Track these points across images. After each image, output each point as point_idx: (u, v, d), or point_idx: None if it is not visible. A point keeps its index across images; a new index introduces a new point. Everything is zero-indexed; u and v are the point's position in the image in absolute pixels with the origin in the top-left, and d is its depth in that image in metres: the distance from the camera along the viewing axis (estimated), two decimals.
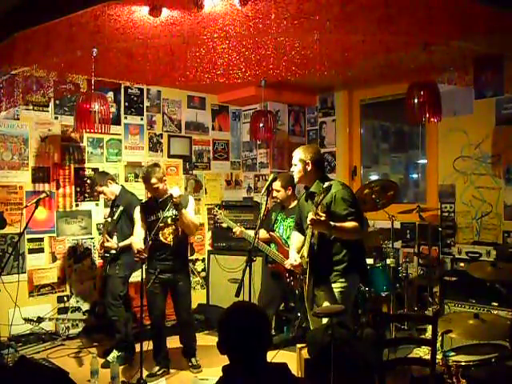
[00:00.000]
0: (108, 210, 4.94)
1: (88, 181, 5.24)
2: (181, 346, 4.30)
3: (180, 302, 4.22)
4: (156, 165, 4.09)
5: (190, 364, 4.24)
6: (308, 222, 3.10)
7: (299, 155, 3.41)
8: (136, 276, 3.84)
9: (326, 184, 3.07)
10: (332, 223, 3.08)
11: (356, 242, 3.32)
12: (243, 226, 4.82)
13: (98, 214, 5.34)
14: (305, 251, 3.33)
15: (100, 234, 5.11)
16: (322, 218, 3.03)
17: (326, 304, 3.28)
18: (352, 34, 3.41)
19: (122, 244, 4.32)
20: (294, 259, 3.42)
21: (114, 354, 4.25)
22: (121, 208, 4.35)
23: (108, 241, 4.33)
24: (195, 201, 4.32)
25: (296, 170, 3.42)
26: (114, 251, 4.33)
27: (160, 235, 4.06)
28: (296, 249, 3.55)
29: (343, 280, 3.27)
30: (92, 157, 5.32)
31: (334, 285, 3.28)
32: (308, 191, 3.45)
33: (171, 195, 3.81)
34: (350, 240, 3.26)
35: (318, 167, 3.42)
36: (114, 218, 4.38)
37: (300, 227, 3.58)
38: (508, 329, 2.57)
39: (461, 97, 4.98)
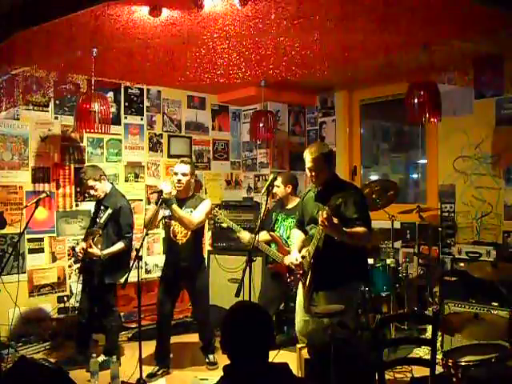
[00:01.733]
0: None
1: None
2: (181, 345, 4.31)
3: (195, 302, 4.27)
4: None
5: (207, 361, 4.27)
6: (320, 223, 2.94)
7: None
8: (133, 277, 3.83)
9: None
10: (344, 229, 2.99)
11: (360, 247, 3.24)
12: (242, 225, 4.82)
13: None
14: (309, 252, 3.27)
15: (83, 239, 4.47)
16: (335, 221, 2.91)
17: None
18: (352, 34, 3.41)
19: (106, 252, 4.07)
20: (295, 258, 3.36)
21: (102, 357, 4.17)
22: (109, 211, 4.06)
23: (91, 247, 4.00)
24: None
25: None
26: (96, 258, 4.07)
27: (171, 233, 4.07)
28: (298, 247, 3.48)
29: (346, 284, 3.21)
30: (92, 157, 5.32)
31: (337, 289, 3.19)
32: (322, 190, 3.32)
33: (161, 191, 3.78)
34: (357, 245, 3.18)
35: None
36: (101, 221, 4.09)
37: (302, 225, 3.52)
38: (507, 328, 2.56)
39: (461, 97, 4.98)
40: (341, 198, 2.94)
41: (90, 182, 4.21)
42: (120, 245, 4.14)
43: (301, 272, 3.34)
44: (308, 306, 3.31)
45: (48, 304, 4.96)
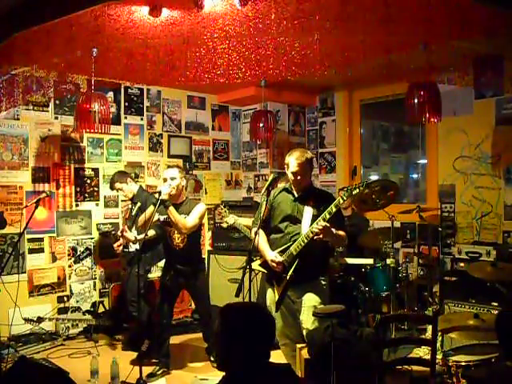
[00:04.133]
0: (111, 209, 5.34)
1: (87, 180, 5.28)
2: (181, 345, 4.30)
3: (198, 303, 4.31)
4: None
5: (211, 359, 4.29)
6: (317, 230, 3.17)
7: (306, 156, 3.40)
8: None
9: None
10: (335, 231, 3.23)
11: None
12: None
13: (98, 214, 5.35)
14: (294, 250, 3.31)
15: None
16: (332, 229, 3.20)
17: (310, 296, 3.33)
18: (352, 34, 3.41)
19: (139, 237, 4.37)
20: (274, 255, 3.40)
21: (146, 342, 4.15)
22: (138, 204, 4.41)
23: (127, 232, 4.42)
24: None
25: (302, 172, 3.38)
26: (132, 245, 4.56)
27: (169, 238, 4.09)
28: (268, 246, 3.51)
29: (324, 277, 3.46)
30: (92, 157, 5.32)
31: (318, 281, 3.40)
32: (304, 193, 3.45)
33: (160, 192, 3.79)
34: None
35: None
36: (132, 214, 4.50)
37: (267, 224, 3.55)
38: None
39: (461, 97, 4.98)
40: (334, 207, 3.18)
41: (117, 185, 4.73)
42: (151, 232, 4.33)
43: (279, 269, 3.37)
44: (279, 302, 3.45)
45: (48, 304, 4.96)
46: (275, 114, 5.84)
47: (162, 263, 4.59)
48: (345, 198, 3.17)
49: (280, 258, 3.37)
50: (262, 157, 6.30)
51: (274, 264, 3.38)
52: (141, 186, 4.88)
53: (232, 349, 1.81)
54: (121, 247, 4.73)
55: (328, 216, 3.17)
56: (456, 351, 2.95)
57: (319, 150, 6.40)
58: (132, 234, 4.41)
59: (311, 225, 3.27)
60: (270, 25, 3.20)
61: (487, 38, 3.55)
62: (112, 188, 4.88)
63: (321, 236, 3.18)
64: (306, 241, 3.26)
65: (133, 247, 4.63)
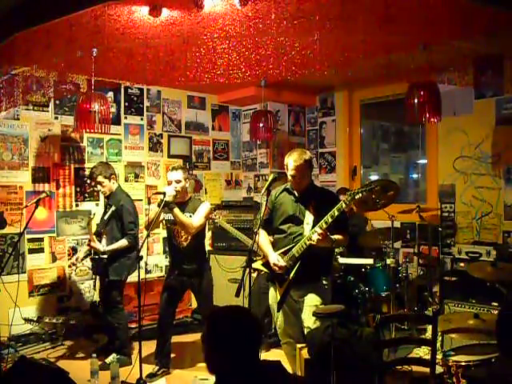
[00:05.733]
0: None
1: (87, 180, 5.20)
2: (181, 345, 4.30)
3: (201, 302, 4.26)
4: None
5: None
6: (314, 241, 3.17)
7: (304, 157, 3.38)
8: (134, 276, 3.86)
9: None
10: (333, 238, 3.24)
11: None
12: (242, 226, 4.80)
13: (98, 213, 5.34)
14: (296, 252, 3.32)
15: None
16: (331, 236, 3.20)
17: (312, 296, 3.33)
18: (352, 34, 3.41)
19: (109, 248, 4.21)
20: (276, 259, 3.40)
21: (113, 356, 4.23)
22: (112, 208, 4.24)
23: (94, 241, 4.21)
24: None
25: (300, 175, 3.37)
26: (102, 255, 4.20)
27: (173, 237, 4.08)
28: (271, 247, 3.51)
29: (327, 277, 3.43)
30: (92, 157, 5.32)
31: (320, 281, 3.38)
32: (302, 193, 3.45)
33: (164, 193, 3.79)
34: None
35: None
36: (105, 217, 4.28)
37: (269, 224, 3.55)
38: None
39: (461, 97, 4.98)
40: (336, 212, 3.15)
41: (100, 178, 4.32)
42: (123, 242, 4.21)
43: (281, 271, 3.38)
44: (281, 302, 3.44)
45: (48, 304, 4.96)
46: (275, 114, 5.85)
47: (161, 263, 4.59)
48: (347, 203, 3.14)
49: (283, 263, 3.36)
50: (262, 157, 6.30)
51: (276, 268, 3.38)
52: (119, 186, 4.48)
53: (220, 352, 1.81)
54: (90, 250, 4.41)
55: (330, 219, 3.16)
56: (456, 351, 2.94)
57: (319, 150, 6.40)
58: (100, 245, 4.20)
59: (313, 225, 3.27)
60: (270, 25, 3.20)
61: (487, 37, 3.55)
62: (91, 178, 4.49)
63: (318, 244, 3.17)
64: (306, 244, 3.26)
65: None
